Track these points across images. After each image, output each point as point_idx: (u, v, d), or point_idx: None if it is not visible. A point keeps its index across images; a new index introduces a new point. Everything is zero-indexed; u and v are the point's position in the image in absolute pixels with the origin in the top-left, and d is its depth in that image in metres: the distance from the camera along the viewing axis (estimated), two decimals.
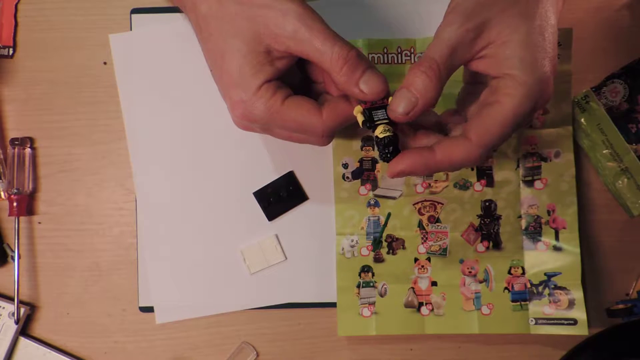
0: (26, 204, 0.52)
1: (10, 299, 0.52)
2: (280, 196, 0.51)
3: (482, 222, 0.51)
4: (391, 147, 0.38)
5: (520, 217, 0.51)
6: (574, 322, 0.49)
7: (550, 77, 0.37)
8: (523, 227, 0.51)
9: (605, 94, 0.50)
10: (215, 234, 0.52)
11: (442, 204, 0.51)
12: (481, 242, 0.51)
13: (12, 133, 0.53)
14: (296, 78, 0.43)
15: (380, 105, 0.38)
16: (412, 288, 0.51)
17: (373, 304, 0.51)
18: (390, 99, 0.38)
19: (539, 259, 0.50)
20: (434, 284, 0.51)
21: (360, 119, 0.39)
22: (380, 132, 0.38)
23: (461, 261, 0.51)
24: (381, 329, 0.50)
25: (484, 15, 0.36)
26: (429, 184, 0.51)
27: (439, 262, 0.51)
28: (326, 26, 0.37)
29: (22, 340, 0.52)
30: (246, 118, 0.39)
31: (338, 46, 0.37)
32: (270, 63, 0.38)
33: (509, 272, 0.50)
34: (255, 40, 0.38)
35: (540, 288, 0.50)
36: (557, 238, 0.50)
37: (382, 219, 0.51)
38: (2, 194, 0.52)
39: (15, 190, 0.51)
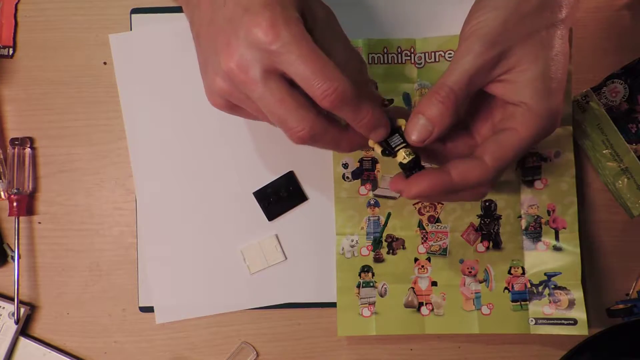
0: (26, 204, 0.52)
1: (10, 299, 0.52)
2: (280, 196, 0.51)
3: (482, 222, 0.51)
4: (416, 169, 0.38)
5: (520, 217, 0.51)
6: (574, 322, 0.49)
7: (561, 107, 0.37)
8: (523, 227, 0.51)
9: (605, 94, 0.50)
10: (215, 234, 0.52)
11: (442, 204, 0.51)
12: (481, 242, 0.51)
13: (12, 133, 0.53)
14: None
15: (392, 129, 0.38)
16: (412, 288, 0.51)
17: (373, 304, 0.51)
18: (400, 120, 0.38)
19: (539, 259, 0.50)
20: (434, 284, 0.51)
21: (378, 149, 0.38)
22: (402, 157, 0.38)
23: (461, 261, 0.51)
24: (381, 329, 0.50)
25: (506, 43, 0.35)
26: None
27: (439, 262, 0.51)
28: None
29: (22, 340, 0.52)
30: (258, 42, 0.33)
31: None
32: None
33: (509, 272, 0.50)
34: None
35: (540, 288, 0.50)
36: (557, 238, 0.50)
37: (382, 219, 0.51)
38: (2, 194, 0.52)
39: (15, 190, 0.51)
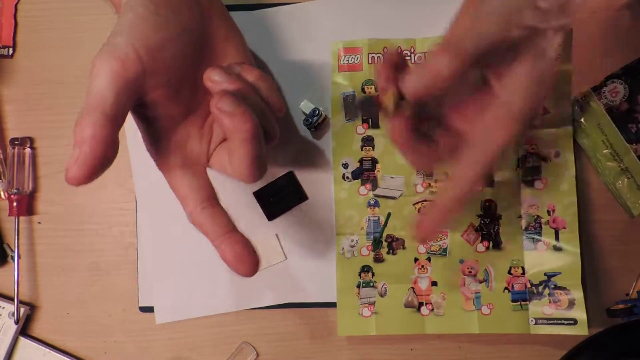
0: (26, 204, 0.52)
1: (10, 299, 0.52)
2: (280, 196, 0.51)
3: (482, 222, 0.51)
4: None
5: (520, 217, 0.51)
6: (574, 322, 0.49)
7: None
8: (523, 227, 0.51)
9: (605, 94, 0.50)
10: None
11: None
12: (481, 242, 0.51)
13: (12, 133, 0.53)
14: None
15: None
16: (412, 288, 0.51)
17: (373, 304, 0.51)
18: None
19: (539, 259, 0.50)
20: (434, 284, 0.51)
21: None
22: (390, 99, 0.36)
23: (461, 261, 0.51)
24: (381, 329, 0.50)
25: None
26: (429, 184, 0.51)
27: (439, 262, 0.51)
28: None
29: (22, 340, 0.52)
30: None
31: None
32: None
33: (509, 272, 0.50)
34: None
35: (540, 288, 0.50)
36: (557, 238, 0.50)
37: (382, 219, 0.51)
38: (2, 194, 0.52)
39: (15, 190, 0.51)
